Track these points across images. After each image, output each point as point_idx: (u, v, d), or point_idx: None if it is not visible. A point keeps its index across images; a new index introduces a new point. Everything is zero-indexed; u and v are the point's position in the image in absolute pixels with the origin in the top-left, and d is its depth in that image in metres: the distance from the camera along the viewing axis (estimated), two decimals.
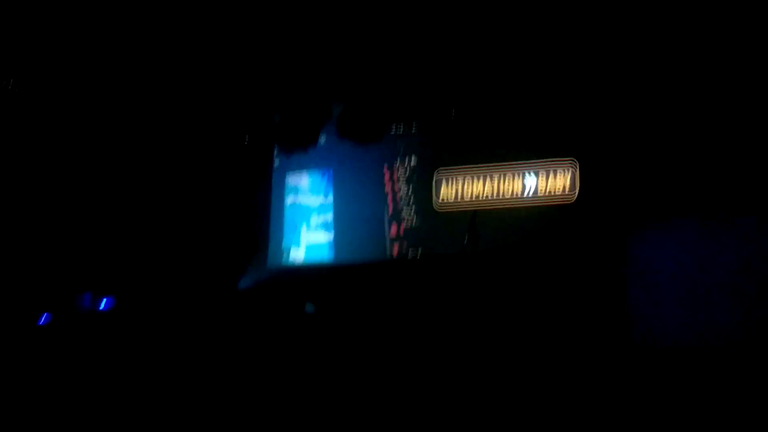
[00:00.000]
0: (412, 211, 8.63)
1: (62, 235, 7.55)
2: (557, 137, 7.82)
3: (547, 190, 7.86)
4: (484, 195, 8.13)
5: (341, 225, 8.92)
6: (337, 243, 8.88)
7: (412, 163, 8.65)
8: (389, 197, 8.76)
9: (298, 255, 9.08)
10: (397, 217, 8.67)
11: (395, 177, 8.76)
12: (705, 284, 6.91)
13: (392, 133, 8.71)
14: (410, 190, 8.66)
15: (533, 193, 7.93)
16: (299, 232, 9.15)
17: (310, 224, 9.13)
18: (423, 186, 8.52)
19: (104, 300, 7.18)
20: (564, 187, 7.79)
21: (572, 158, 7.76)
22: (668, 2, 6.53)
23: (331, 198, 9.04)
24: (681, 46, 6.84)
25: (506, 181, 8.06)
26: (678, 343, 6.81)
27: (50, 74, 7.59)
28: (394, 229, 8.69)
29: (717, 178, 6.89)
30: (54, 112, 7.60)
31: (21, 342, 6.21)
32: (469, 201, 8.17)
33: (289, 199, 9.25)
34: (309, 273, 8.75)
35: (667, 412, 4.97)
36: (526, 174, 7.96)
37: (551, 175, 7.87)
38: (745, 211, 6.79)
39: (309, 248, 9.05)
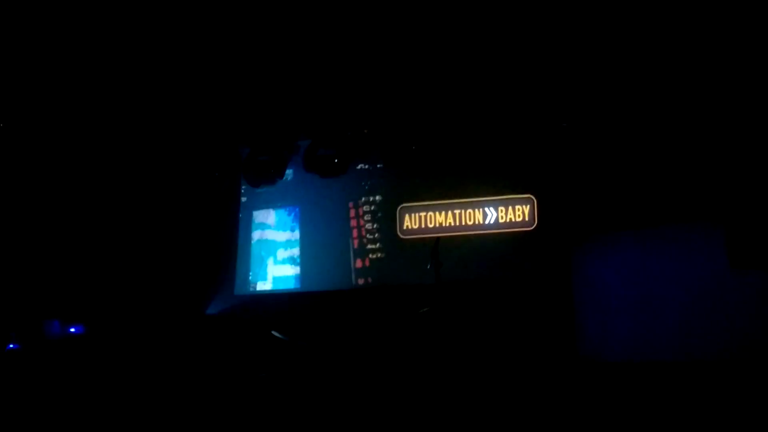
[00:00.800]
0: (377, 245, 9.06)
1: (29, 262, 7.72)
2: (515, 173, 8.40)
3: (507, 220, 8.41)
4: (447, 224, 8.64)
5: (307, 259, 9.28)
6: (303, 276, 9.24)
7: (377, 199, 9.12)
8: (354, 232, 9.18)
9: (264, 287, 9.41)
10: (362, 251, 9.08)
11: (360, 213, 9.19)
12: (648, 297, 7.42)
13: (357, 168, 9.21)
14: (375, 225, 9.08)
15: (494, 222, 8.47)
16: (266, 266, 9.50)
17: (276, 258, 9.49)
18: (388, 221, 8.95)
19: (73, 327, 7.37)
20: (523, 219, 8.35)
21: (529, 194, 8.33)
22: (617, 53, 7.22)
23: (297, 233, 9.43)
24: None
25: (468, 213, 8.58)
26: (623, 355, 7.29)
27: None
28: (359, 262, 9.10)
29: (659, 193, 7.45)
30: (20, 139, 7.83)
31: None
32: (433, 228, 8.65)
33: (256, 235, 9.61)
34: (275, 300, 9.07)
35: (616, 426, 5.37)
36: (487, 208, 8.50)
37: (510, 209, 8.43)
38: (688, 220, 7.32)
39: (275, 281, 9.39)
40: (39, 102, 7.68)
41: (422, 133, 8.54)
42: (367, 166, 9.19)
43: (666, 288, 7.36)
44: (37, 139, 8.04)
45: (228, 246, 9.46)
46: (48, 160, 8.16)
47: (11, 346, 6.80)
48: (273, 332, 7.23)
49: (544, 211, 8.23)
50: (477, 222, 8.51)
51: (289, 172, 9.39)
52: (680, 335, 7.20)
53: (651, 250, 7.52)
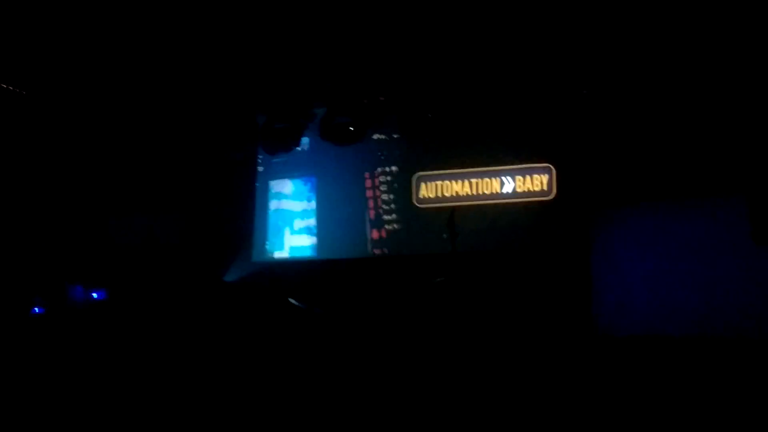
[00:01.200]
0: (394, 216, 9.16)
1: (53, 229, 7.93)
2: (534, 142, 8.39)
3: (525, 190, 8.42)
4: (464, 193, 8.69)
5: (323, 229, 9.40)
6: (320, 247, 9.37)
7: (393, 169, 9.18)
8: (370, 202, 9.28)
9: (282, 256, 9.56)
10: (378, 221, 9.17)
11: (377, 183, 9.27)
12: (668, 271, 7.40)
13: (374, 138, 9.26)
14: (391, 196, 9.15)
15: (512, 192, 8.49)
16: (283, 235, 9.65)
17: (293, 228, 9.63)
18: (404, 191, 9.02)
19: (96, 293, 7.61)
20: (541, 189, 8.35)
21: (548, 163, 8.33)
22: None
23: (313, 203, 9.54)
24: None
25: (485, 182, 8.62)
26: (641, 329, 7.31)
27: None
28: (375, 233, 9.21)
29: (681, 165, 7.39)
30: (45, 111, 7.99)
31: (14, 333, 6.59)
32: (449, 198, 8.71)
33: (273, 204, 9.74)
34: (292, 268, 9.26)
35: (633, 401, 5.45)
36: (504, 177, 8.54)
37: (528, 178, 8.45)
38: (711, 193, 7.24)
39: (292, 250, 9.54)
40: (61, 71, 7.78)
41: (439, 101, 8.53)
42: (383, 137, 9.24)
43: (687, 262, 7.34)
44: (58, 109, 8.18)
45: (245, 214, 9.62)
46: (70, 128, 8.31)
47: (36, 310, 7.05)
48: (290, 299, 7.40)
49: (563, 181, 8.22)
50: (494, 191, 8.55)
51: (305, 141, 9.48)
52: (700, 311, 7.19)
53: (672, 223, 7.49)
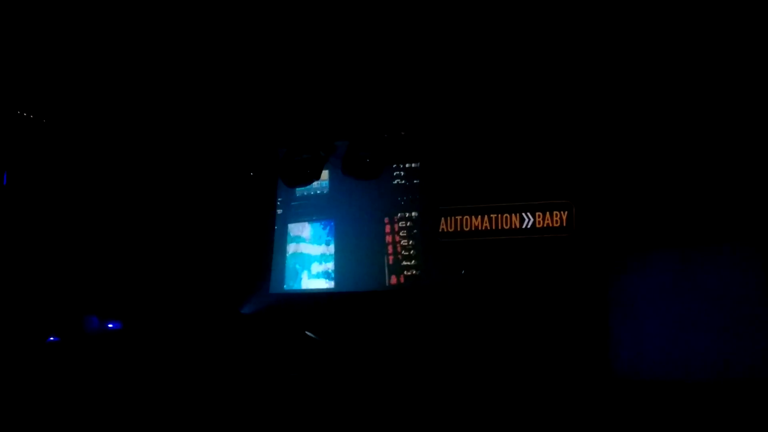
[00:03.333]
0: (413, 261, 9.33)
1: (70, 259, 8.20)
2: (553, 180, 8.63)
3: (544, 225, 8.63)
4: (483, 228, 8.90)
5: (341, 274, 9.60)
6: (337, 291, 9.57)
7: (413, 215, 9.40)
8: (389, 248, 9.47)
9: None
10: (397, 266, 9.35)
11: (396, 228, 9.49)
12: (687, 314, 7.50)
13: (394, 183, 9.56)
14: (411, 242, 9.35)
15: (531, 227, 8.70)
16: (300, 279, 9.87)
17: (311, 272, 9.85)
18: (423, 236, 9.23)
19: (111, 323, 7.81)
20: (561, 225, 8.56)
21: (567, 200, 8.56)
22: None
23: (332, 247, 9.78)
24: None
25: (504, 218, 8.84)
26: (660, 375, 7.38)
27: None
28: (393, 279, 9.37)
29: (696, 208, 7.60)
30: (63, 139, 8.40)
31: (29, 363, 6.80)
32: (469, 232, 8.93)
33: (291, 248, 9.99)
34: (309, 300, 9.49)
35: None
36: (524, 213, 8.75)
37: (548, 214, 8.64)
38: (727, 238, 7.41)
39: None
40: (77, 104, 8.17)
41: (460, 135, 8.83)
42: (403, 182, 9.54)
43: (703, 308, 7.46)
44: (78, 138, 8.56)
45: (264, 249, 9.87)
46: (89, 159, 8.67)
47: (51, 338, 7.27)
48: (306, 332, 7.53)
49: (582, 221, 8.41)
50: (514, 226, 8.75)
51: (324, 185, 9.81)
52: (716, 357, 7.26)
53: (690, 269, 7.63)
